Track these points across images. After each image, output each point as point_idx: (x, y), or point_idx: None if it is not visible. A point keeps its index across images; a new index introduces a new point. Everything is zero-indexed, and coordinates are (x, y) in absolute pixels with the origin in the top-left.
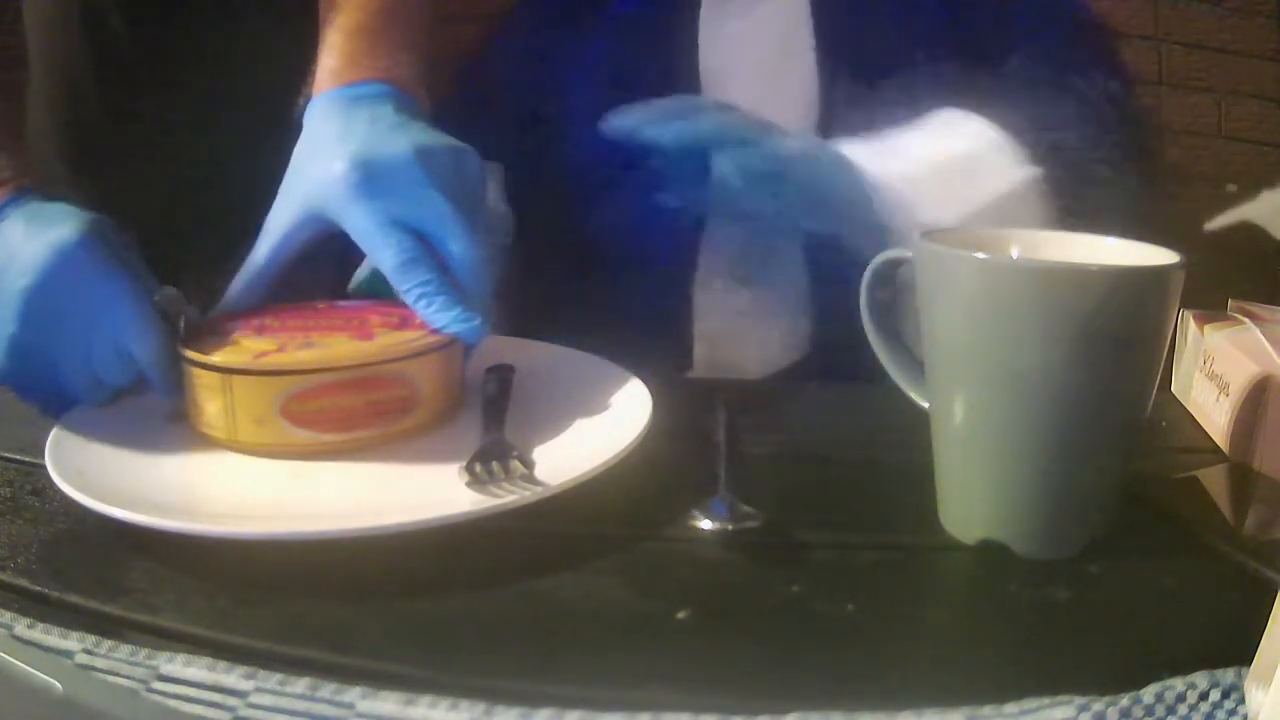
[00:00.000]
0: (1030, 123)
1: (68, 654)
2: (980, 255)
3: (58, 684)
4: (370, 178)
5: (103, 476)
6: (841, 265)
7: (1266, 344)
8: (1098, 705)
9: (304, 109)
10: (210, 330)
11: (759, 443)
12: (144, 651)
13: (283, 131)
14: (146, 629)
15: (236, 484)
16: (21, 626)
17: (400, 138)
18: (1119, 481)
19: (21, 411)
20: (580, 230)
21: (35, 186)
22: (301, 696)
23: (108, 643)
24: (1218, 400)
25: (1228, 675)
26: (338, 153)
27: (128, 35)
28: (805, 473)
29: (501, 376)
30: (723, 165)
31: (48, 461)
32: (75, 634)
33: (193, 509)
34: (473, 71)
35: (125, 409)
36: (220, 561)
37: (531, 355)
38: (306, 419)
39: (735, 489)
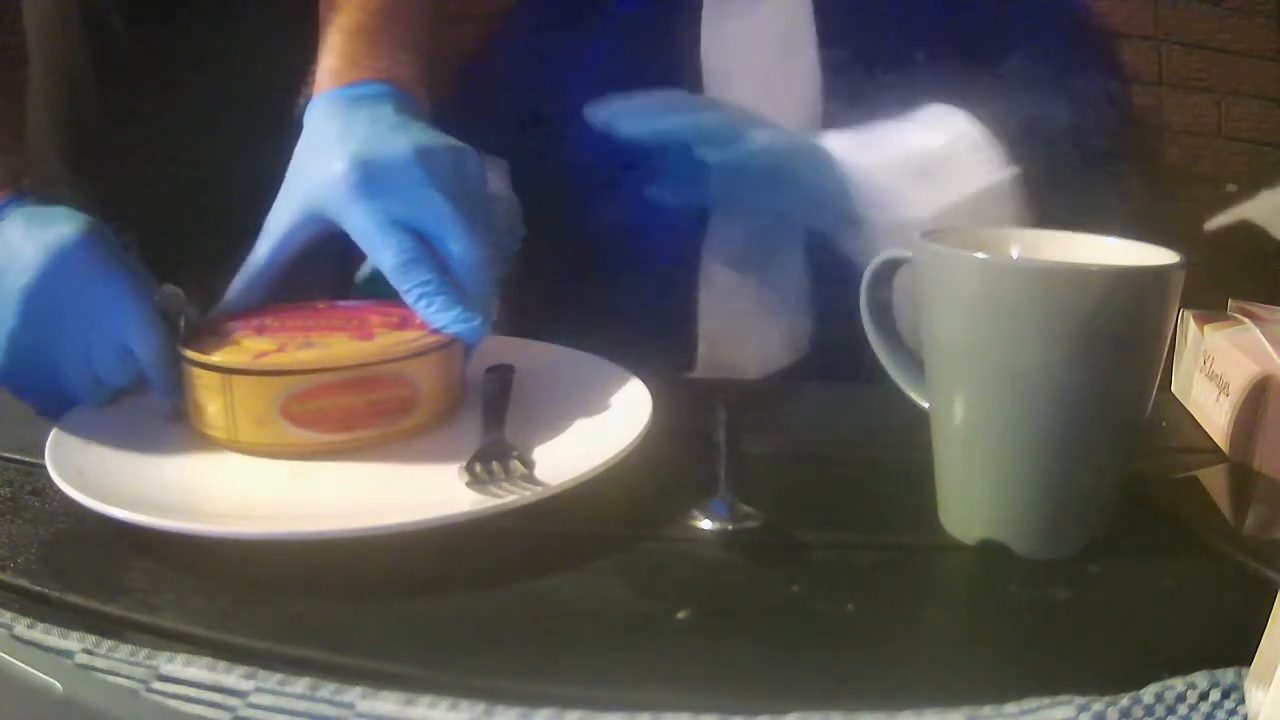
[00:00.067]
0: (1029, 122)
1: (68, 654)
2: (980, 255)
3: (58, 684)
4: (370, 178)
5: (103, 476)
6: (841, 265)
7: (1266, 344)
8: (1098, 705)
9: (304, 109)
10: (210, 330)
11: (759, 443)
12: (144, 651)
13: (283, 131)
14: (146, 629)
15: (236, 484)
16: (21, 626)
17: (400, 138)
18: (1119, 481)
19: (21, 411)
20: (580, 230)
21: (35, 187)
22: (301, 696)
23: (108, 643)
24: (1218, 400)
25: (1228, 675)
26: (338, 153)
27: (128, 35)
28: (805, 473)
29: (501, 376)
30: (702, 158)
31: (48, 461)
32: (75, 634)
33: (193, 509)
34: (473, 71)
35: (125, 409)
36: (220, 561)
37: (531, 355)
38: (306, 419)
39: (735, 489)
